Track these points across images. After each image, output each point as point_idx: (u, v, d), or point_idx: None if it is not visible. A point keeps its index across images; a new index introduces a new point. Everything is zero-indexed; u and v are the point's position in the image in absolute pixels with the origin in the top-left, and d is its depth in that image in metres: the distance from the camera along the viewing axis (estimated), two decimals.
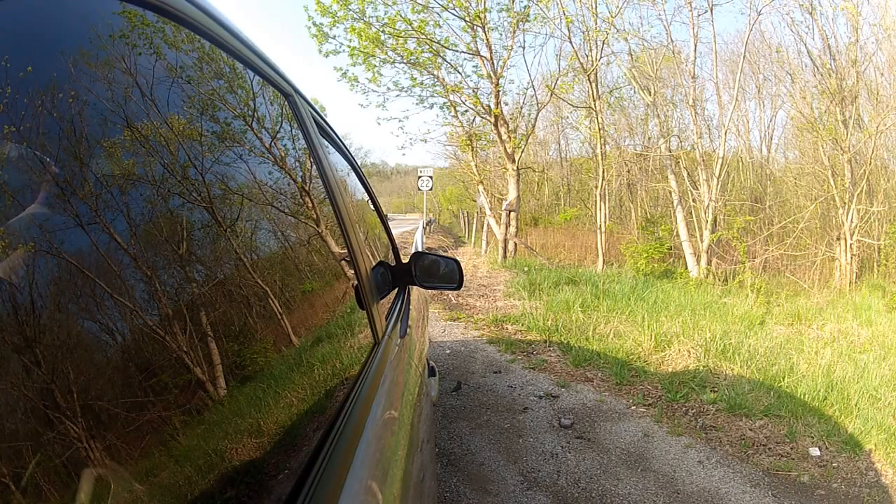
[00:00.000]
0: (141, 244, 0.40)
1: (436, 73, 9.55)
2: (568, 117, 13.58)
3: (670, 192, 9.81)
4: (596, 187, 9.83)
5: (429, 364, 2.02)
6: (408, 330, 1.44)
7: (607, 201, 10.93)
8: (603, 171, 9.55)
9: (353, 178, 1.52)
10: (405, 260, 1.69)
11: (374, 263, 1.27)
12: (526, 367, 4.12)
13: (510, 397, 3.52)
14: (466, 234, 19.79)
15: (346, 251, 1.00)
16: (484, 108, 9.79)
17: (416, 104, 10.42)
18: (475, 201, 16.92)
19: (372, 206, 1.80)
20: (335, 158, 1.22)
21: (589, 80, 9.30)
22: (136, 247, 0.39)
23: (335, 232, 0.98)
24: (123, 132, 0.41)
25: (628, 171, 12.93)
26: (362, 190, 1.67)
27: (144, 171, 0.43)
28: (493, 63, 9.46)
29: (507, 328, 5.22)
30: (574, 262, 10.44)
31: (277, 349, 0.61)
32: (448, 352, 4.51)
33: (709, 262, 8.50)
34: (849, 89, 8.31)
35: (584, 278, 7.26)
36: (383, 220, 1.92)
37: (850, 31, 8.42)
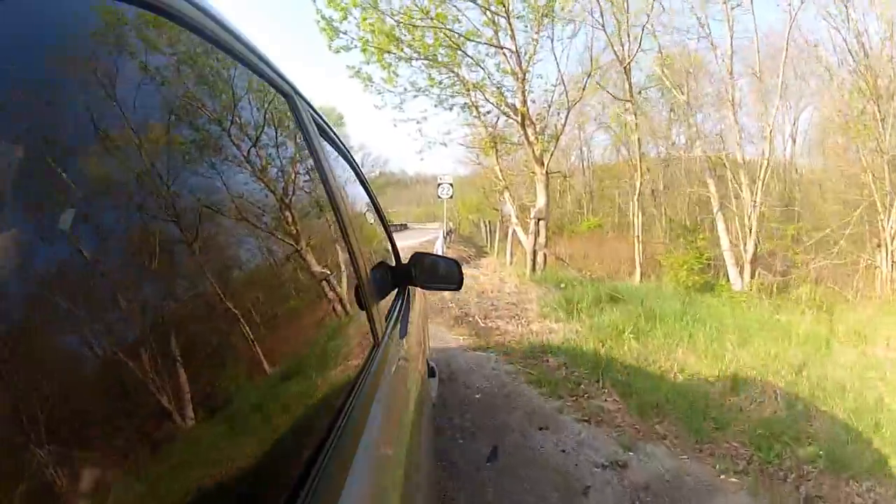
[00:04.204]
0: (141, 245, 0.44)
1: (456, 70, 9.66)
2: (598, 117, 13.68)
3: (709, 198, 9.77)
4: (635, 191, 9.78)
5: (428, 364, 2.11)
6: (408, 330, 1.52)
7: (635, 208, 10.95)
8: (641, 174, 9.52)
9: (353, 179, 1.62)
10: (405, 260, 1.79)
11: (374, 264, 1.36)
12: (578, 419, 3.56)
13: (564, 468, 2.91)
14: (488, 244, 19.81)
15: (346, 251, 1.08)
16: (509, 107, 9.87)
17: (435, 106, 10.53)
18: (496, 209, 17.08)
19: (372, 207, 1.89)
20: (335, 159, 1.32)
21: (626, 72, 9.34)
22: (136, 247, 0.43)
23: (335, 232, 1.05)
24: (122, 133, 0.44)
25: (652, 178, 13.04)
26: (363, 190, 1.77)
27: (145, 172, 0.46)
28: (518, 56, 9.47)
29: (547, 361, 4.73)
30: (606, 273, 10.36)
31: (277, 350, 0.65)
32: (478, 396, 3.88)
33: (753, 274, 8.38)
34: (885, 87, 8.22)
35: (625, 294, 7.08)
36: (383, 220, 2.01)
37: (885, 26, 8.38)
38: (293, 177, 0.91)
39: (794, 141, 13.25)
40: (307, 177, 0.99)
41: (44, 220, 0.34)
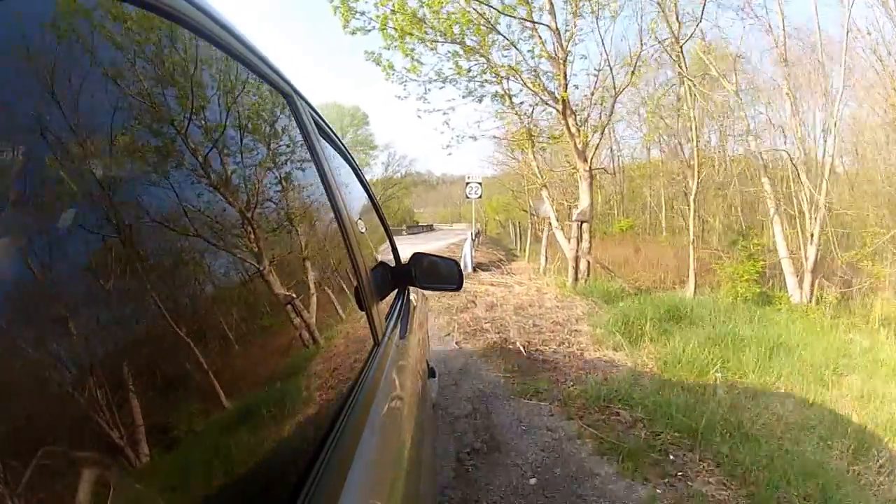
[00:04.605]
0: (138, 246, 0.45)
1: (486, 56, 9.04)
2: (635, 111, 13.52)
3: (751, 200, 9.45)
4: (689, 192, 9.24)
5: (428, 365, 2.19)
6: (408, 330, 1.59)
7: (656, 211, 10.61)
8: (697, 171, 8.93)
9: (352, 179, 1.69)
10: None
11: (374, 264, 1.43)
12: None
13: None
14: (518, 247, 19.66)
15: (346, 252, 1.13)
16: (548, 94, 9.25)
17: (464, 96, 9.89)
18: (525, 210, 16.89)
19: (372, 207, 1.98)
20: (335, 159, 1.38)
21: (682, 52, 8.78)
22: (135, 248, 0.44)
23: (335, 232, 1.11)
24: (120, 133, 0.46)
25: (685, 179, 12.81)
26: (363, 190, 1.86)
27: (142, 172, 0.49)
28: (558, 34, 8.80)
29: (618, 415, 3.79)
30: (651, 283, 10.00)
31: (277, 351, 0.69)
32: (533, 481, 2.93)
33: (813, 284, 7.99)
34: None
35: (686, 309, 6.48)
36: (383, 220, 2.11)
37: None
38: (293, 177, 0.95)
39: (825, 139, 13.01)
40: (307, 177, 1.03)
41: (45, 221, 0.36)
